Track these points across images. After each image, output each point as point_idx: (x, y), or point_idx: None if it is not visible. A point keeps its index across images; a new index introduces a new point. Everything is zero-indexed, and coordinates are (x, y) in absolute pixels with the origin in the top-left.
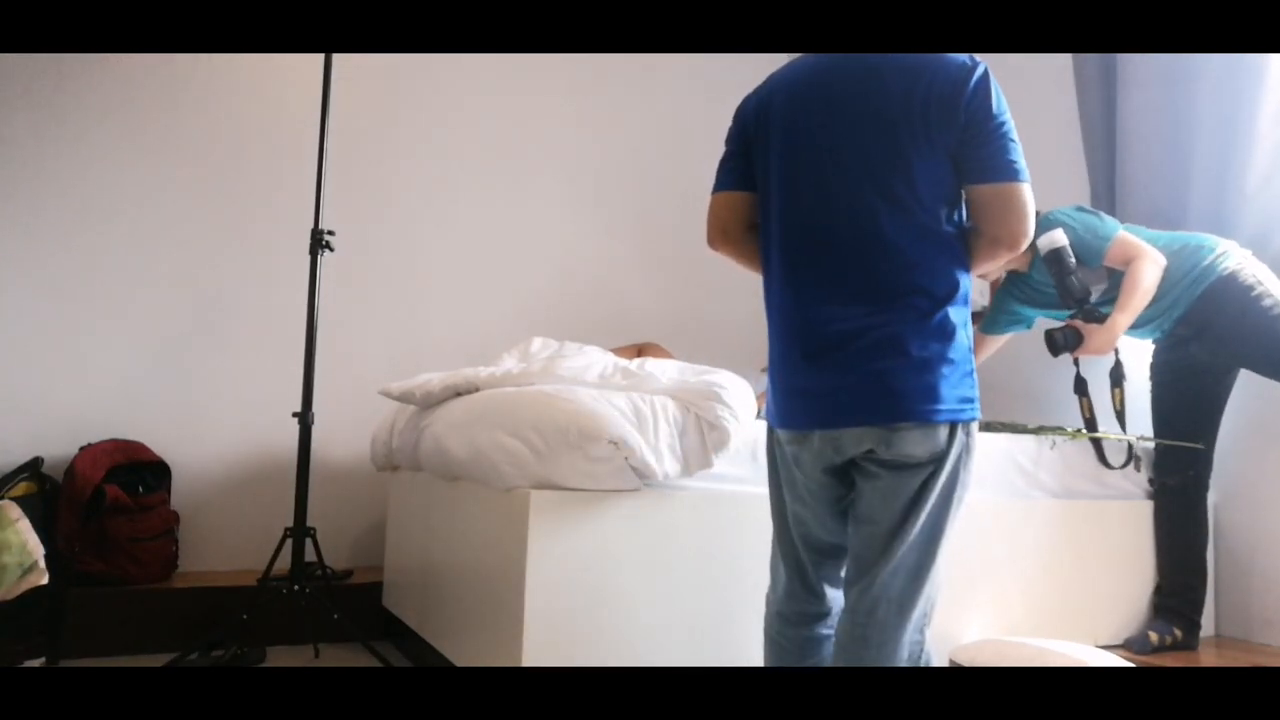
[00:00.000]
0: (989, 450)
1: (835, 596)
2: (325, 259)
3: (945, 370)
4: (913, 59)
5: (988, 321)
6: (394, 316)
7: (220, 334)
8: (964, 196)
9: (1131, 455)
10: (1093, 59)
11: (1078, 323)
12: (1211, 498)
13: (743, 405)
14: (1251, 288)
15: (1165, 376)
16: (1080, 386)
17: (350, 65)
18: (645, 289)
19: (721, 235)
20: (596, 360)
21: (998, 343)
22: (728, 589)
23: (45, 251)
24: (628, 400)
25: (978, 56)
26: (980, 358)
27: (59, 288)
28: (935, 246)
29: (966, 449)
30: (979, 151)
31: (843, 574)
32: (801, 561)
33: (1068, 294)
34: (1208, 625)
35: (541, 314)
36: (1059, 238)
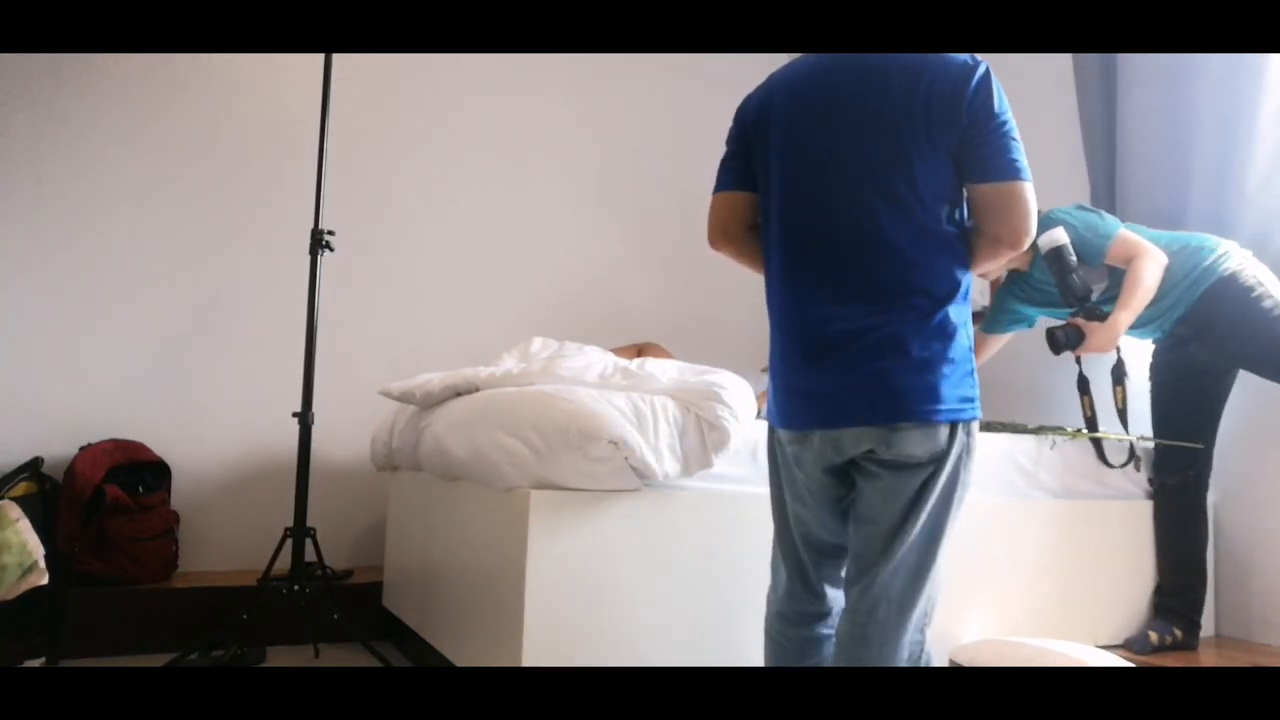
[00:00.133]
0: (989, 450)
1: (836, 596)
2: (325, 259)
3: (946, 370)
4: (914, 59)
5: (989, 321)
6: (394, 316)
7: (220, 334)
8: (965, 196)
9: (1132, 455)
10: (1093, 59)
11: (1079, 321)
12: (1211, 498)
13: (743, 405)
14: (1252, 289)
15: (1165, 376)
16: (1083, 385)
17: (350, 65)
18: (645, 289)
19: (722, 235)
20: (596, 360)
21: (999, 342)
22: (728, 589)
23: (45, 251)
24: (628, 400)
25: (978, 56)
26: (982, 357)
27: (59, 288)
28: (936, 246)
29: (967, 449)
30: (980, 151)
31: (843, 574)
32: (802, 561)
33: (1069, 292)
34: (1208, 625)
35: (541, 314)
36: (1060, 236)
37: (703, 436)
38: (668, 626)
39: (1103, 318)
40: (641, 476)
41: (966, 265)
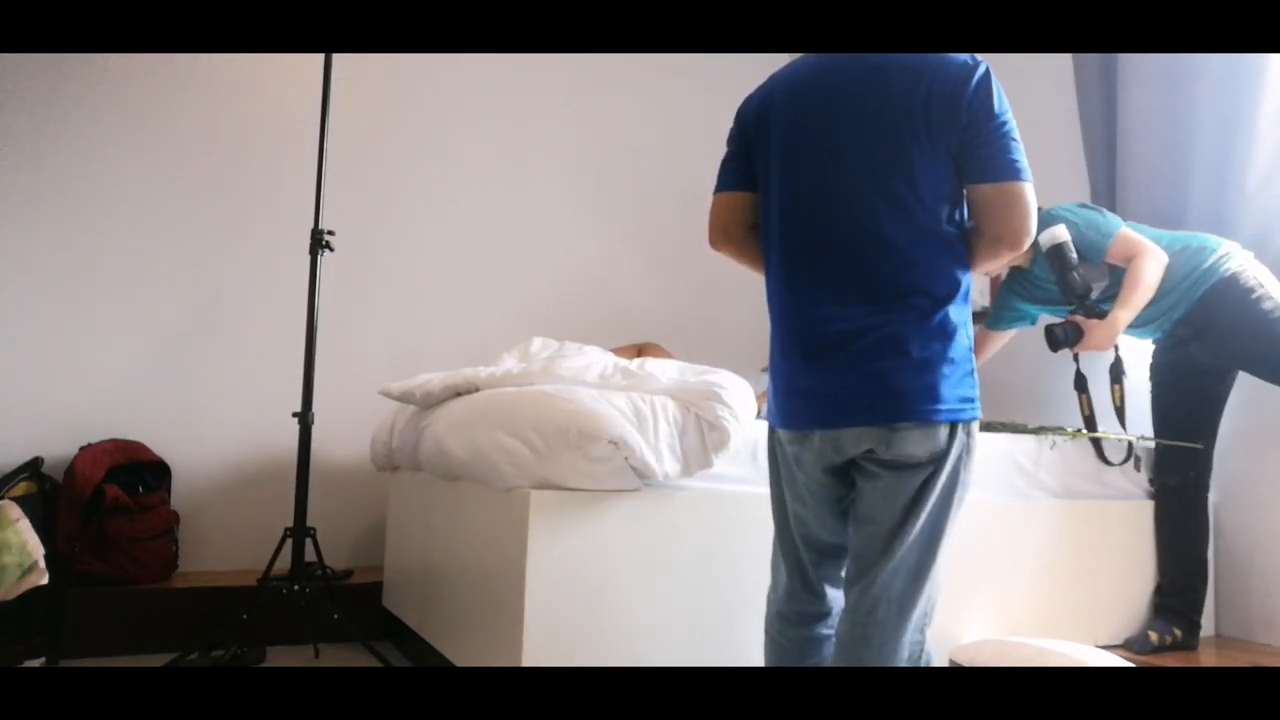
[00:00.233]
0: (989, 450)
1: (836, 596)
2: (325, 259)
3: (946, 370)
4: (914, 59)
5: (992, 318)
6: (394, 316)
7: (220, 334)
8: (965, 196)
9: (1131, 453)
10: (1093, 59)
11: (1078, 318)
12: (1211, 498)
13: (743, 405)
14: (1252, 290)
15: (1165, 377)
16: (1080, 383)
17: (350, 65)
18: (645, 289)
19: (723, 235)
20: (596, 360)
21: (1002, 340)
22: (728, 589)
23: (45, 251)
24: (628, 400)
25: (978, 56)
26: (985, 355)
27: (59, 288)
28: (936, 246)
29: (967, 449)
30: (980, 151)
31: (843, 574)
32: (802, 561)
33: (1069, 290)
34: (1208, 625)
35: (541, 314)
36: (1061, 233)
37: (703, 436)
38: (668, 626)
39: (1102, 316)
40: (641, 476)
41: (967, 265)
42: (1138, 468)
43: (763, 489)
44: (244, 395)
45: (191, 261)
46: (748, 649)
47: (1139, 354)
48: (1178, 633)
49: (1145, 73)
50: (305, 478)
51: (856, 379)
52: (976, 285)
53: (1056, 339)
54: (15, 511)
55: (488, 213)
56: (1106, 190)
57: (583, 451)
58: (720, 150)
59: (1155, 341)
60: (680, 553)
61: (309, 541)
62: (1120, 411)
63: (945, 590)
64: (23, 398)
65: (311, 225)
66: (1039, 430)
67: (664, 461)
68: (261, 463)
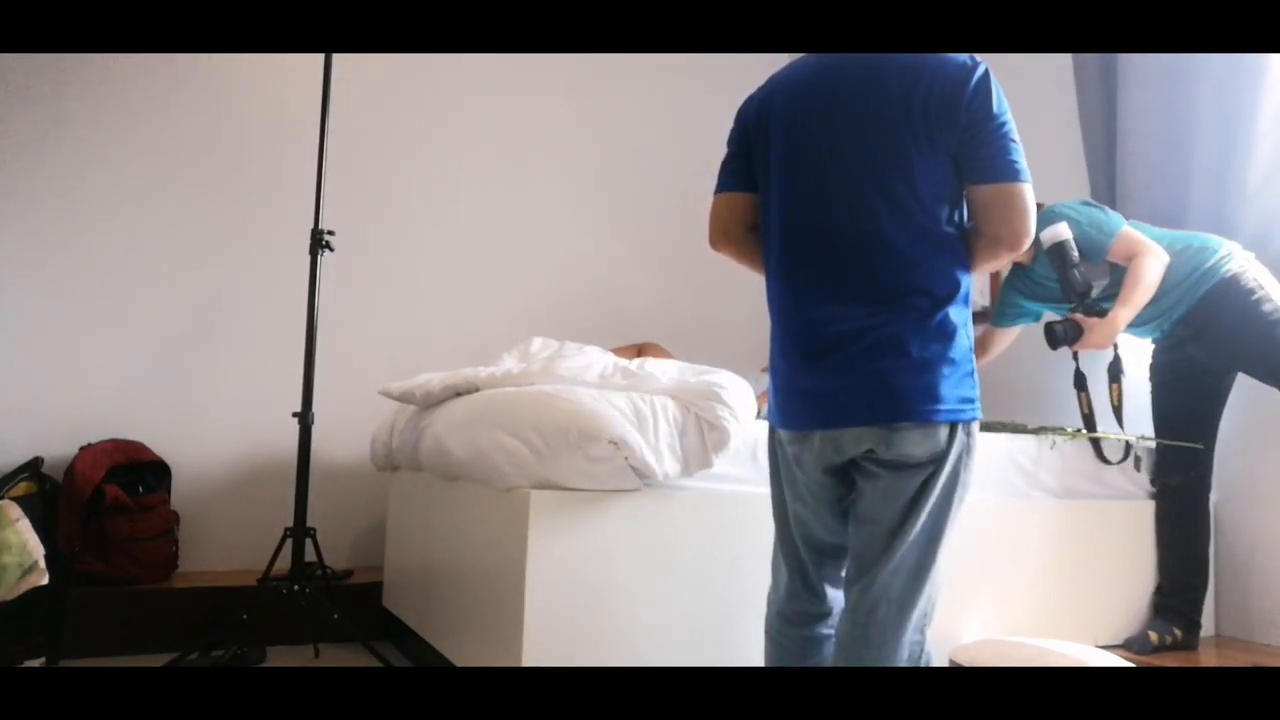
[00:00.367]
0: (989, 450)
1: (836, 596)
2: (325, 259)
3: (946, 370)
4: (913, 59)
5: (996, 315)
6: (394, 316)
7: (220, 334)
8: (965, 197)
9: (1129, 452)
10: (1093, 59)
11: (1078, 316)
12: (1212, 498)
13: (743, 405)
14: (1253, 291)
15: (1165, 377)
16: (1079, 381)
17: (350, 65)
18: (645, 289)
19: (723, 236)
20: (596, 360)
21: (1009, 337)
22: (728, 589)
23: (45, 251)
24: (628, 400)
25: (978, 56)
26: (994, 352)
27: (59, 288)
28: (936, 247)
29: (967, 449)
30: (980, 151)
31: (843, 574)
32: (802, 561)
33: (1069, 288)
34: (1208, 625)
35: (541, 314)
36: (1062, 231)
37: (703, 436)
38: (668, 626)
39: (1102, 314)
40: (641, 476)
41: (967, 266)
42: (1138, 468)
43: (763, 489)
44: (244, 395)
45: (191, 261)
46: (748, 649)
47: (1138, 353)
48: (1178, 633)
49: (1145, 73)
50: (305, 478)
51: (856, 379)
52: (976, 285)
53: (1056, 337)
54: (15, 511)
55: (488, 213)
56: (1106, 190)
57: (583, 451)
58: (720, 151)
59: (1155, 341)
60: (680, 553)
61: (309, 541)
62: (1118, 410)
63: (945, 590)
64: (23, 398)
65: (311, 225)
66: (1039, 430)
67: (664, 461)
68: (261, 463)
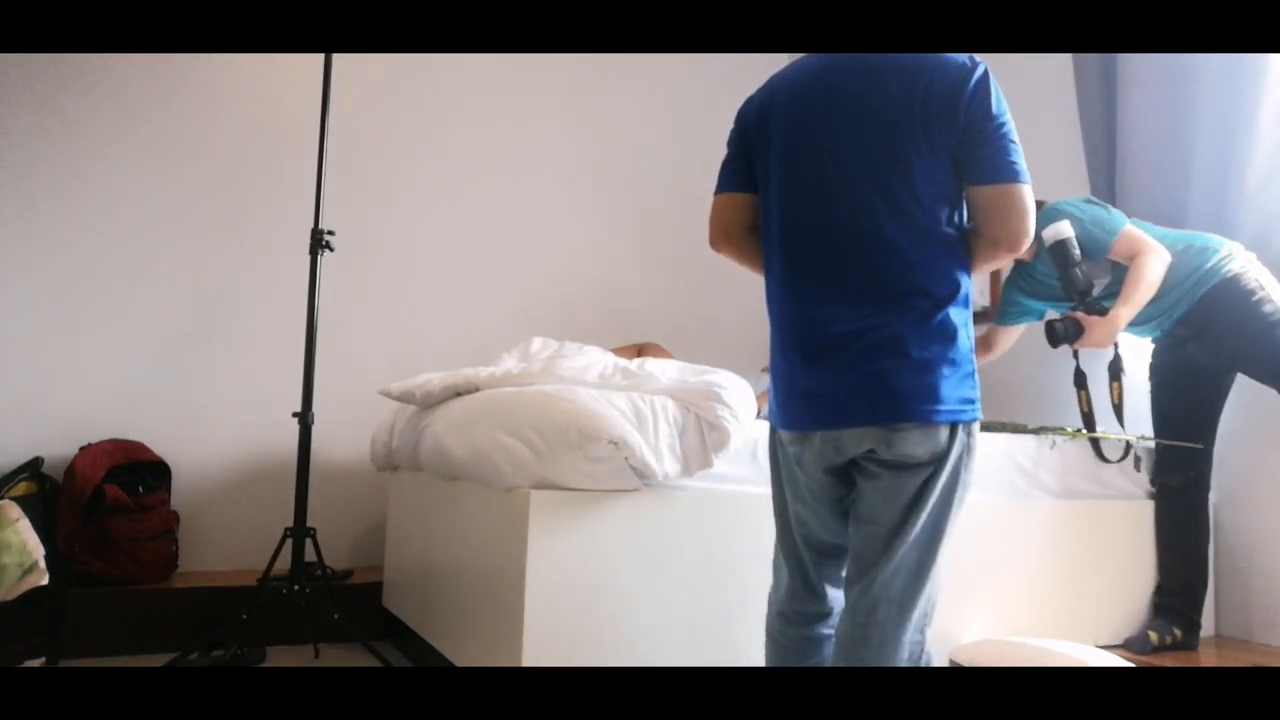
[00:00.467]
0: (990, 450)
1: (837, 596)
2: (325, 259)
3: (946, 371)
4: (913, 59)
5: (998, 314)
6: (394, 316)
7: (220, 334)
8: (964, 197)
9: (1129, 451)
10: (1093, 59)
11: (1080, 314)
12: (1211, 498)
13: (743, 405)
14: (1254, 292)
15: (1165, 377)
16: (1080, 380)
17: (350, 65)
18: (645, 289)
19: (723, 237)
20: (596, 360)
21: (1013, 335)
22: (728, 589)
23: (45, 251)
24: (628, 400)
25: (978, 57)
26: (998, 351)
27: (59, 288)
28: (936, 247)
29: (967, 449)
30: (979, 152)
31: (844, 574)
32: (803, 561)
33: (1071, 286)
34: (1208, 625)
35: (541, 314)
36: (1065, 229)
37: (703, 436)
38: (668, 626)
39: (1103, 312)
40: (641, 476)
41: (967, 267)
42: (1138, 468)
43: (763, 489)
44: (244, 395)
45: (191, 261)
46: (748, 649)
47: (1138, 353)
48: (1178, 633)
49: (1145, 73)
50: (305, 478)
51: (856, 380)
52: (975, 285)
53: (1057, 335)
54: (15, 511)
55: (488, 213)
56: (1106, 190)
57: (583, 451)
58: (720, 151)
59: (1155, 341)
60: (680, 553)
61: (309, 541)
62: (1118, 409)
63: (945, 590)
64: (23, 398)
65: (311, 225)
66: (1039, 430)
67: (664, 461)
68: (261, 463)
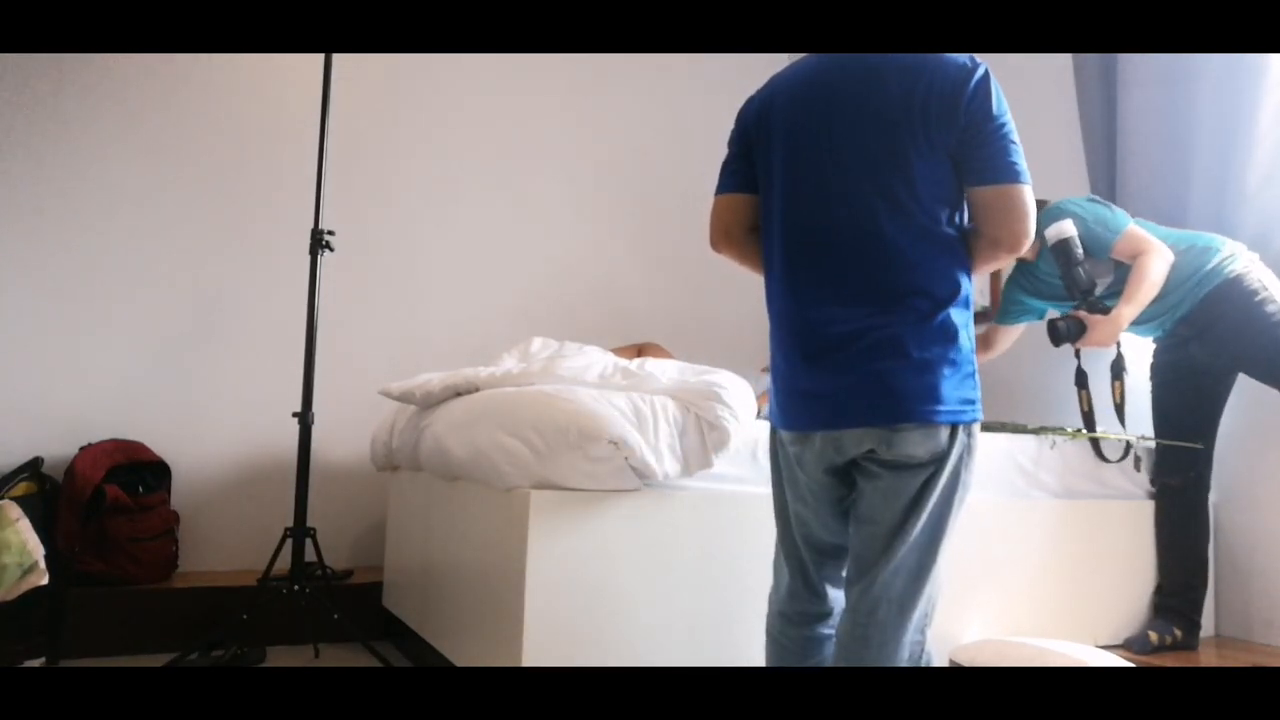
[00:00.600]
0: (990, 450)
1: (837, 597)
2: (325, 259)
3: (946, 371)
4: (913, 59)
5: (999, 313)
6: (394, 316)
7: (220, 334)
8: (964, 198)
9: (1129, 451)
10: (1093, 59)
11: (1082, 313)
12: (1211, 498)
13: (743, 405)
14: (1256, 292)
15: (1166, 376)
16: (1081, 379)
17: (350, 65)
18: (645, 289)
19: (724, 237)
20: (596, 360)
21: (1013, 334)
22: (728, 589)
23: (45, 251)
24: (628, 400)
25: (978, 57)
26: (998, 350)
27: (59, 288)
28: (936, 248)
29: (968, 450)
30: (979, 152)
31: (844, 574)
32: (804, 561)
33: (1073, 285)
34: (1208, 625)
35: (541, 314)
36: (1068, 229)
37: (703, 436)
38: (668, 626)
39: (1106, 311)
40: (641, 476)
41: (968, 268)
42: (1138, 468)
43: (763, 489)
44: (244, 395)
45: (191, 261)
46: (748, 649)
47: (1139, 352)
48: (1178, 633)
49: (1145, 73)
50: (305, 478)
51: (857, 380)
52: (975, 285)
53: (1059, 333)
54: (15, 511)
55: (488, 212)
56: (1106, 190)
57: (583, 451)
58: (721, 151)
59: (1156, 340)
60: (680, 553)
61: (309, 541)
62: (1120, 409)
63: (945, 590)
64: (23, 398)
65: (311, 225)
66: (1039, 430)
67: (664, 461)
68: (261, 463)
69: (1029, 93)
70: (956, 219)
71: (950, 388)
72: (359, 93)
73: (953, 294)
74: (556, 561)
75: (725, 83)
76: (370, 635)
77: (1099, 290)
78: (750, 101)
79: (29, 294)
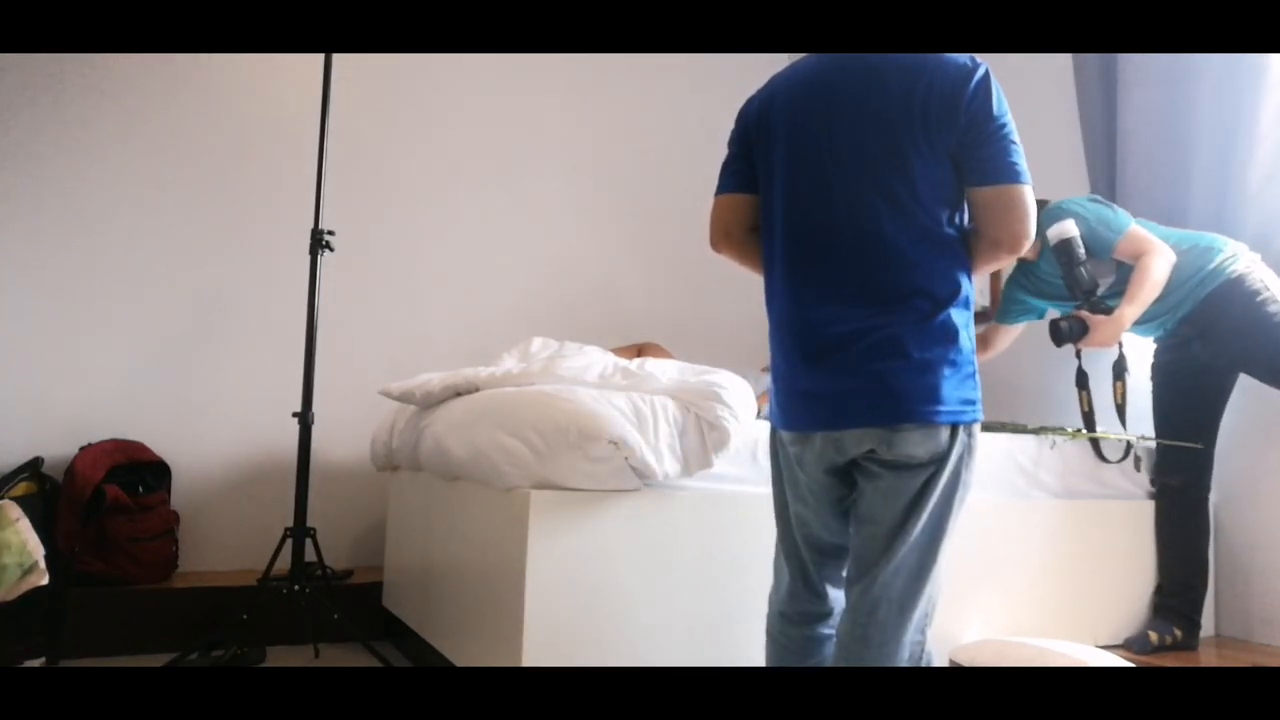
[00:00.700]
0: (990, 450)
1: (837, 597)
2: (325, 259)
3: (947, 372)
4: (913, 59)
5: (1000, 311)
6: (394, 316)
7: (220, 334)
8: (964, 198)
9: (1129, 451)
10: (1093, 59)
11: (1084, 314)
12: (1211, 498)
13: (743, 405)
14: (1258, 292)
15: (1167, 376)
16: (1081, 379)
17: (350, 65)
18: (645, 289)
19: (724, 237)
20: (596, 360)
21: (1012, 333)
22: (728, 589)
23: (45, 251)
24: (628, 400)
25: (978, 57)
26: (997, 349)
27: (59, 288)
28: (936, 248)
29: (968, 450)
30: (979, 153)
31: (845, 574)
32: (804, 561)
33: (1076, 285)
34: (1208, 625)
35: (541, 314)
36: (1070, 229)
37: (703, 436)
38: (668, 626)
39: (1108, 312)
40: (641, 476)
41: (968, 268)
42: (1138, 468)
43: (763, 489)
44: (244, 395)
45: (191, 261)
46: (748, 649)
47: (1140, 352)
48: (1178, 633)
49: (1145, 73)
50: (305, 478)
51: (857, 380)
52: (975, 285)
53: (1061, 334)
54: (15, 511)
55: (488, 212)
56: (1106, 190)
57: (583, 451)
58: (720, 151)
59: (1157, 340)
60: (680, 553)
61: (309, 541)
62: (1121, 409)
63: (945, 590)
64: (23, 398)
65: (311, 225)
66: (1039, 430)
67: (664, 461)
68: (261, 463)
69: (1029, 93)
70: (957, 219)
71: (951, 388)
72: (359, 93)
73: (953, 294)
74: (556, 561)
75: (725, 83)
76: (370, 635)
77: (1101, 290)
78: (750, 101)
79: (29, 294)
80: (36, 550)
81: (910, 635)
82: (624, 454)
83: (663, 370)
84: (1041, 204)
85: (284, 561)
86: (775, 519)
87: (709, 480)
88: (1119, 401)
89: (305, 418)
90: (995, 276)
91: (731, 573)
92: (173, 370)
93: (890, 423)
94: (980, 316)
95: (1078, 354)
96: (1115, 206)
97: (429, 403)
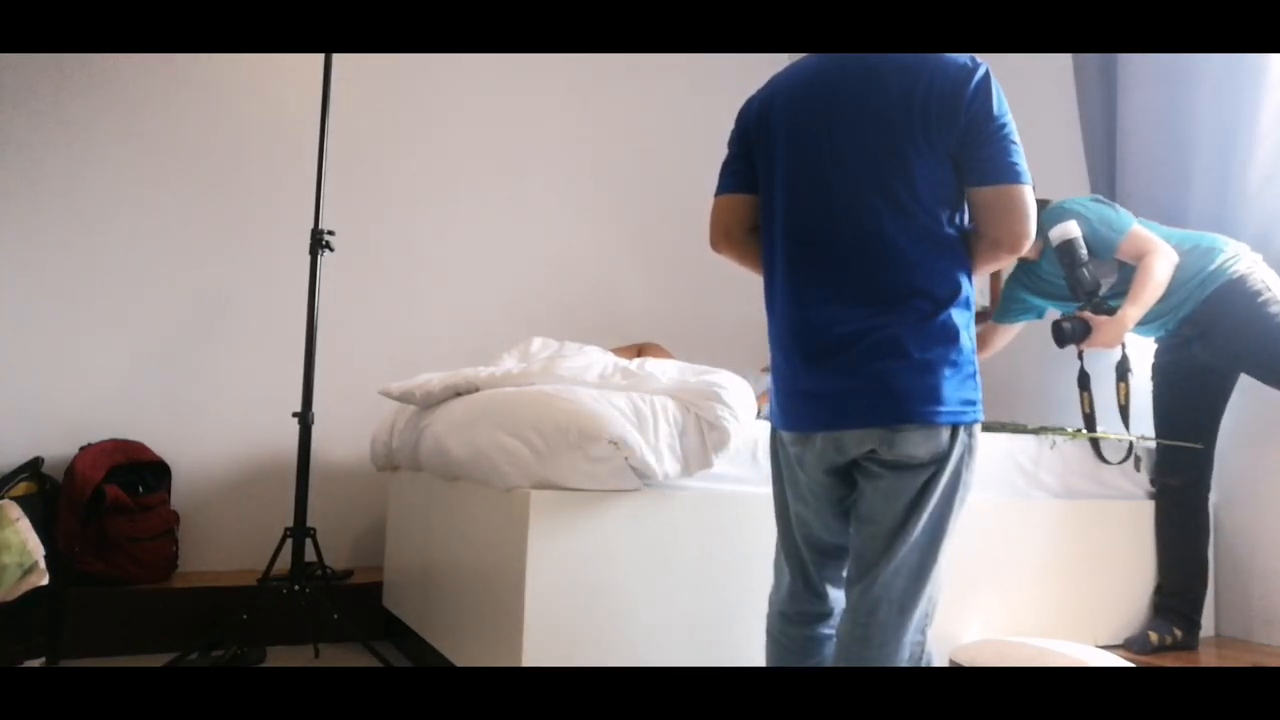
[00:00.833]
0: (990, 450)
1: (838, 597)
2: (325, 259)
3: (947, 372)
4: (913, 59)
5: (998, 311)
6: (394, 316)
7: (220, 334)
8: (964, 198)
9: (1130, 452)
10: (1093, 59)
11: (1086, 314)
12: (1211, 498)
13: (743, 405)
14: (1259, 293)
15: (1168, 376)
16: (1083, 380)
17: (350, 65)
18: (645, 289)
19: (724, 238)
20: (596, 360)
21: (1010, 333)
22: (728, 589)
23: (45, 251)
24: (628, 400)
25: (978, 57)
26: (994, 349)
27: (59, 288)
28: (936, 248)
29: (969, 450)
30: (979, 153)
31: (845, 574)
32: (804, 561)
33: (1078, 285)
34: (1208, 625)
35: (541, 314)
36: (1072, 229)
37: (703, 436)
38: (668, 626)
39: (1110, 312)
40: (641, 476)
41: (968, 268)
42: (1138, 468)
43: (763, 489)
44: (244, 395)
45: (191, 261)
46: (748, 649)
47: (1141, 352)
48: (1178, 633)
49: (1145, 73)
50: (305, 478)
51: (858, 381)
52: (975, 285)
53: (1064, 334)
54: (15, 511)
55: (487, 212)
56: (1107, 190)
57: (583, 451)
58: (721, 151)
59: (1158, 340)
60: (680, 553)
61: (309, 541)
62: (1124, 410)
63: (946, 590)
64: (23, 398)
65: (311, 225)
66: (1039, 430)
67: (664, 461)
68: (261, 463)
69: (1029, 93)
70: (957, 219)
71: (951, 388)
72: (359, 93)
73: (953, 294)
74: (556, 561)
75: (725, 83)
76: (370, 635)
77: (1103, 291)
78: (750, 101)
79: (29, 294)
80: (36, 550)
81: (910, 635)
82: (624, 454)
83: (663, 370)
84: (1043, 204)
85: (284, 561)
86: (775, 519)
87: (709, 480)
88: (1122, 402)
89: (305, 418)
90: (995, 276)
91: (731, 573)
92: (173, 370)
93: (891, 423)
94: (980, 316)
95: (1080, 355)
96: (1117, 206)
97: (429, 403)
